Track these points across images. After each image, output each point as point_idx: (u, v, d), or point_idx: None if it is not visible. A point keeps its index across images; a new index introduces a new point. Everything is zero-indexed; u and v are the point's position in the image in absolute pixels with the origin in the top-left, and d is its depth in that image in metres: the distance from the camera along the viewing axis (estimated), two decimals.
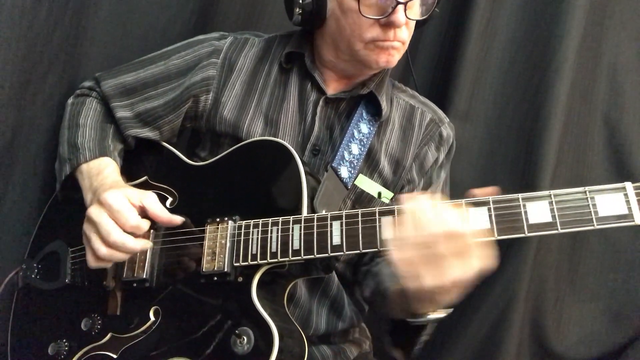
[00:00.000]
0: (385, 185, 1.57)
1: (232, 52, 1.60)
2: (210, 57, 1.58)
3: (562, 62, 2.24)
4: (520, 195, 1.08)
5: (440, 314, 1.21)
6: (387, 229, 1.14)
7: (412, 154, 1.59)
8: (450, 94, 2.32)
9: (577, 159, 2.36)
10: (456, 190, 1.69)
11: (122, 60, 1.66)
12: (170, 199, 1.45)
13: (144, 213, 1.32)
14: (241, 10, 2.04)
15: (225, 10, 1.99)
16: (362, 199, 1.54)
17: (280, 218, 1.27)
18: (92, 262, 1.31)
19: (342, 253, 1.19)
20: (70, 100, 1.63)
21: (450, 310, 1.21)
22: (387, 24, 1.39)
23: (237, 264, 1.27)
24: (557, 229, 1.06)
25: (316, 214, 1.25)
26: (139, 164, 1.59)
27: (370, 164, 1.56)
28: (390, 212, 1.17)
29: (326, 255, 1.21)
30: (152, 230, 1.37)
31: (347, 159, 1.48)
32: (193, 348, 1.26)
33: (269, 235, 1.26)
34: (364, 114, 1.54)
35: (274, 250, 1.25)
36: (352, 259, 1.61)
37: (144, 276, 1.36)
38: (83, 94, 1.63)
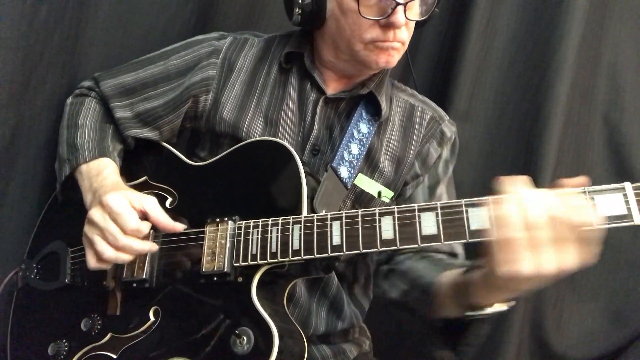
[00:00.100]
0: (386, 184, 1.57)
1: (231, 52, 1.60)
2: (210, 57, 1.58)
3: (562, 62, 2.24)
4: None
5: (503, 306, 1.17)
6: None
7: (414, 152, 1.59)
8: (450, 94, 2.32)
9: (577, 159, 2.36)
10: (456, 191, 1.70)
11: (121, 60, 1.66)
12: (170, 199, 1.45)
13: (144, 216, 1.33)
14: (241, 10, 2.04)
15: (225, 10, 1.99)
16: (362, 198, 1.54)
17: (280, 218, 1.26)
18: (92, 264, 1.31)
19: (342, 253, 1.19)
20: (69, 100, 1.63)
21: (513, 303, 1.17)
22: (387, 25, 1.39)
23: (237, 264, 1.27)
24: None
25: (316, 214, 1.25)
26: (138, 164, 1.58)
27: (370, 164, 1.55)
28: (390, 213, 1.16)
29: (326, 255, 1.21)
30: (151, 231, 1.37)
31: (346, 159, 1.48)
32: (193, 348, 1.26)
33: (269, 235, 1.26)
34: (364, 114, 1.54)
35: (274, 250, 1.24)
36: (352, 259, 1.61)
37: (144, 276, 1.35)
38: (82, 94, 1.63)
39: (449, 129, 1.64)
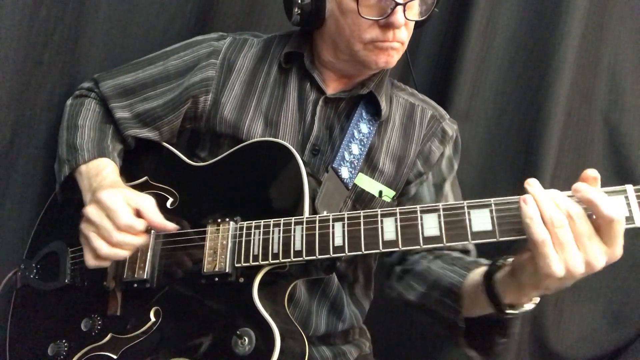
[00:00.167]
0: (387, 183, 1.57)
1: (231, 52, 1.59)
2: (209, 57, 1.57)
3: (562, 62, 2.24)
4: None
5: (531, 304, 1.17)
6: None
7: (415, 151, 1.59)
8: (450, 94, 2.32)
9: (577, 159, 2.36)
10: None
11: (121, 60, 1.66)
12: (170, 200, 1.45)
13: (140, 215, 1.32)
14: (241, 10, 2.03)
15: (225, 10, 1.99)
16: (362, 198, 1.54)
17: (282, 219, 1.26)
18: (90, 261, 1.31)
19: (344, 254, 1.19)
20: (69, 102, 1.63)
21: (538, 299, 1.16)
22: (386, 25, 1.39)
23: (239, 265, 1.27)
24: None
25: (318, 215, 1.24)
26: (139, 165, 1.58)
27: (370, 163, 1.55)
28: (392, 214, 1.16)
29: (328, 256, 1.20)
30: (152, 231, 1.37)
31: (347, 159, 1.48)
32: (194, 349, 1.26)
33: (271, 236, 1.26)
34: (364, 114, 1.54)
35: (275, 251, 1.24)
36: (353, 259, 1.61)
37: (145, 277, 1.35)
38: (82, 95, 1.63)
39: (450, 127, 1.64)
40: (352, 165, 1.48)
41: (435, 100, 1.72)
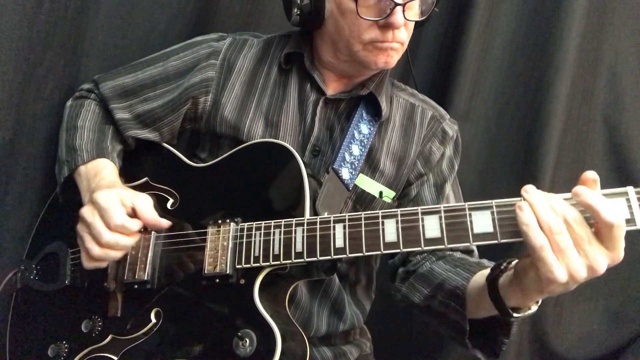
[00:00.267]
0: (388, 184, 1.57)
1: (231, 53, 1.59)
2: (209, 58, 1.57)
3: (562, 62, 2.25)
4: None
5: (535, 307, 1.17)
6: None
7: (415, 151, 1.59)
8: (450, 94, 2.32)
9: (577, 159, 2.36)
10: None
11: (122, 61, 1.66)
12: (171, 201, 1.45)
13: (136, 215, 1.32)
14: (241, 10, 2.03)
15: (225, 10, 1.99)
16: (363, 199, 1.54)
17: (283, 220, 1.26)
18: (86, 263, 1.31)
19: (345, 256, 1.19)
20: (68, 103, 1.63)
21: (540, 302, 1.17)
22: (386, 25, 1.38)
23: (239, 266, 1.27)
24: None
25: (319, 217, 1.24)
26: (139, 165, 1.58)
27: (371, 164, 1.55)
28: (394, 216, 1.16)
29: (329, 258, 1.20)
30: (153, 232, 1.37)
31: (348, 160, 1.48)
32: (194, 350, 1.26)
33: (272, 237, 1.26)
34: (364, 115, 1.54)
35: (276, 252, 1.24)
36: (354, 260, 1.61)
37: (145, 278, 1.35)
38: (82, 96, 1.62)
39: (451, 128, 1.64)
40: (353, 166, 1.48)
41: (435, 100, 1.72)
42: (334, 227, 1.21)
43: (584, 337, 2.37)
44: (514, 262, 1.15)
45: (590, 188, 1.03)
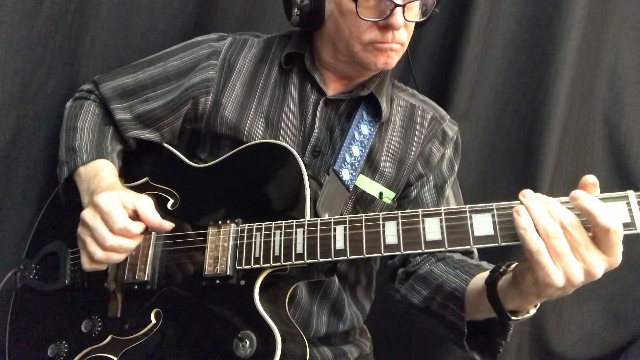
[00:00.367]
0: (387, 185, 1.57)
1: (231, 53, 1.59)
2: (210, 58, 1.57)
3: (562, 62, 2.24)
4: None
5: (533, 309, 1.17)
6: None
7: (416, 152, 1.59)
8: (450, 94, 2.32)
9: (577, 159, 2.36)
10: None
11: (122, 61, 1.66)
12: (171, 201, 1.45)
13: (138, 216, 1.31)
14: (241, 10, 2.03)
15: (226, 10, 1.99)
16: (363, 199, 1.54)
17: (284, 222, 1.26)
18: (86, 265, 1.31)
19: (345, 258, 1.18)
20: (68, 104, 1.63)
21: (538, 305, 1.17)
22: (385, 26, 1.38)
23: (240, 267, 1.27)
24: None
25: (319, 218, 1.24)
26: (139, 166, 1.58)
27: (371, 165, 1.55)
28: (394, 218, 1.16)
29: (330, 259, 1.20)
30: (153, 233, 1.37)
31: (348, 161, 1.47)
32: (194, 351, 1.26)
33: (272, 239, 1.25)
34: (365, 115, 1.54)
35: (277, 254, 1.24)
36: (355, 261, 1.60)
37: (145, 278, 1.35)
38: (81, 97, 1.62)
39: (451, 129, 1.64)
40: (353, 167, 1.48)
41: (435, 101, 1.72)
42: (334, 228, 1.20)
43: (584, 337, 2.37)
44: (513, 265, 1.15)
45: (590, 192, 1.04)
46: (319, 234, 1.21)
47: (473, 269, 1.35)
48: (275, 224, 1.27)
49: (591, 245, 1.01)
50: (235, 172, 1.43)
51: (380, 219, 1.17)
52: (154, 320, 1.33)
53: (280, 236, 1.25)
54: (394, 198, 1.58)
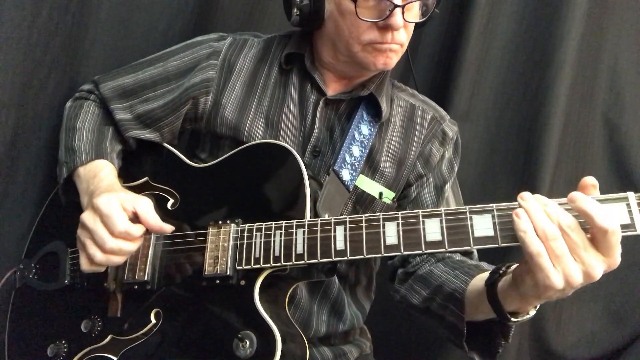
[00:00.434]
0: (387, 185, 1.57)
1: (231, 53, 1.59)
2: (210, 58, 1.57)
3: (562, 62, 2.24)
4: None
5: (533, 311, 1.17)
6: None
7: (415, 152, 1.59)
8: (450, 94, 2.32)
9: (577, 159, 2.36)
10: None
11: (122, 61, 1.66)
12: (171, 201, 1.45)
13: (138, 218, 1.31)
14: (242, 10, 2.03)
15: (226, 10, 1.99)
16: (363, 199, 1.54)
17: (284, 222, 1.26)
18: (86, 267, 1.30)
19: (345, 258, 1.18)
20: (68, 104, 1.63)
21: (537, 306, 1.17)
22: (385, 27, 1.38)
23: (240, 268, 1.27)
24: None
25: (320, 219, 1.24)
26: (139, 165, 1.58)
27: (371, 165, 1.55)
28: (395, 218, 1.16)
29: (330, 260, 1.20)
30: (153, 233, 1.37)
31: (348, 161, 1.47)
32: (194, 351, 1.26)
33: (272, 239, 1.25)
34: (365, 116, 1.54)
35: (277, 254, 1.24)
36: (355, 261, 1.60)
37: (145, 278, 1.35)
38: (81, 97, 1.62)
39: (451, 129, 1.64)
40: (353, 167, 1.48)
41: (435, 101, 1.72)
42: (334, 229, 1.21)
43: (584, 337, 2.37)
44: (512, 267, 1.15)
45: (589, 193, 1.04)
46: (319, 235, 1.21)
47: (473, 269, 1.35)
48: (275, 224, 1.27)
49: (590, 246, 1.01)
50: (235, 172, 1.43)
51: (381, 220, 1.17)
52: (153, 320, 1.33)
53: (281, 236, 1.25)
54: (393, 198, 1.58)
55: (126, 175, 1.52)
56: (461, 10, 2.33)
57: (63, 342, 1.41)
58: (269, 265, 1.24)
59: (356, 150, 1.49)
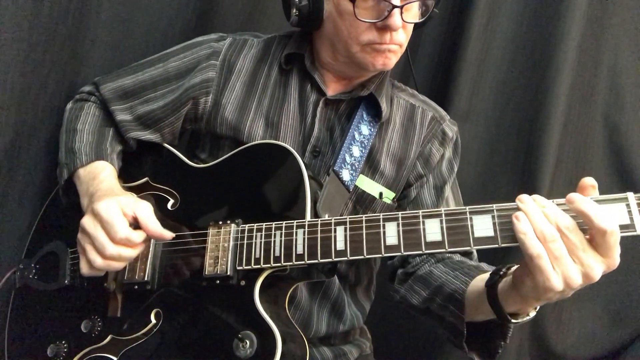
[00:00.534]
0: (388, 185, 1.57)
1: (231, 53, 1.59)
2: (209, 59, 1.57)
3: (562, 62, 2.25)
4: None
5: (533, 312, 1.17)
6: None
7: (415, 152, 1.59)
8: (450, 94, 2.32)
9: (577, 159, 2.36)
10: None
11: (123, 62, 1.66)
12: (171, 201, 1.45)
13: (137, 222, 1.30)
14: (242, 10, 2.03)
15: (226, 10, 1.99)
16: (363, 199, 1.54)
17: (284, 222, 1.26)
18: (86, 271, 1.30)
19: (345, 258, 1.18)
20: (68, 106, 1.63)
21: (537, 308, 1.17)
22: (383, 28, 1.38)
23: (240, 268, 1.27)
24: None
25: (320, 219, 1.24)
26: (140, 165, 1.58)
27: (371, 165, 1.55)
28: (395, 219, 1.16)
29: (330, 260, 1.20)
30: None
31: (348, 161, 1.47)
32: (194, 351, 1.26)
33: (272, 239, 1.25)
34: (364, 116, 1.54)
35: (277, 254, 1.24)
36: (355, 261, 1.60)
37: (145, 278, 1.35)
38: (82, 99, 1.62)
39: (450, 129, 1.64)
40: (353, 168, 1.48)
41: (435, 101, 1.72)
42: (335, 229, 1.20)
43: (584, 337, 2.37)
44: (513, 268, 1.15)
45: (589, 194, 1.04)
46: (319, 235, 1.21)
47: (473, 270, 1.35)
48: (275, 224, 1.27)
49: (588, 247, 1.01)
50: (235, 173, 1.43)
51: (381, 220, 1.17)
52: (153, 320, 1.33)
53: (281, 237, 1.25)
54: (393, 198, 1.58)
55: (126, 176, 1.52)
56: (461, 10, 2.33)
57: (63, 342, 1.41)
58: (269, 265, 1.24)
59: (356, 151, 1.49)
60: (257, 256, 1.25)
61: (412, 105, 1.64)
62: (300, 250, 1.22)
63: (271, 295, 1.28)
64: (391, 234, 1.15)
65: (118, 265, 1.28)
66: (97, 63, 1.74)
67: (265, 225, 1.28)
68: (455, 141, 1.66)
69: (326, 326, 1.56)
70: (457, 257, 1.49)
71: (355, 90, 1.56)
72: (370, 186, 1.54)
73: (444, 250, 1.12)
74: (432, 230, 1.12)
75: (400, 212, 1.17)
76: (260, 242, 1.26)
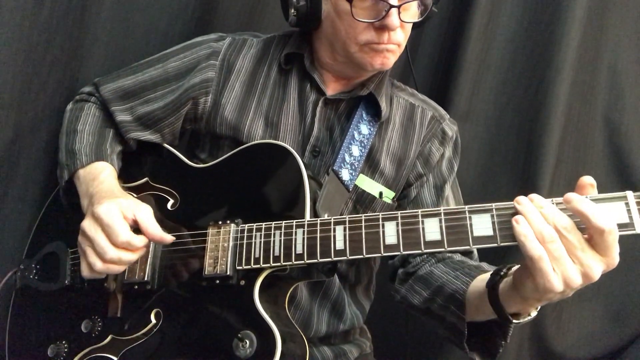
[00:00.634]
0: (387, 184, 1.57)
1: (230, 53, 1.59)
2: (209, 59, 1.57)
3: (562, 62, 2.24)
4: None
5: (534, 312, 1.17)
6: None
7: (415, 152, 1.59)
8: (450, 94, 2.32)
9: (577, 159, 2.36)
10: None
11: (123, 62, 1.66)
12: (171, 201, 1.45)
13: (138, 225, 1.30)
14: (242, 10, 2.03)
15: (226, 10, 1.99)
16: (363, 199, 1.54)
17: (283, 222, 1.26)
18: (86, 273, 1.30)
19: (345, 258, 1.18)
20: (69, 107, 1.63)
21: (538, 307, 1.17)
22: (381, 27, 1.38)
23: (240, 267, 1.27)
24: None
25: (319, 219, 1.24)
26: (139, 166, 1.58)
27: (371, 165, 1.55)
28: (394, 218, 1.16)
29: (329, 260, 1.20)
30: None
31: (348, 161, 1.47)
32: (194, 351, 1.26)
33: (272, 239, 1.25)
34: (364, 115, 1.54)
35: (277, 254, 1.24)
36: (355, 260, 1.60)
37: (145, 278, 1.35)
38: (82, 100, 1.62)
39: (450, 128, 1.64)
40: (353, 167, 1.48)
41: (435, 100, 1.72)
42: (334, 229, 1.20)
43: (584, 337, 2.37)
44: (513, 268, 1.15)
45: (587, 193, 1.04)
46: (318, 234, 1.21)
47: (473, 270, 1.34)
48: (275, 224, 1.27)
49: (587, 247, 1.01)
50: (235, 173, 1.43)
51: (380, 219, 1.17)
52: (154, 320, 1.33)
53: (280, 236, 1.25)
54: (393, 197, 1.58)
55: (126, 176, 1.52)
56: (461, 10, 2.33)
57: (63, 342, 1.41)
58: (268, 265, 1.24)
59: (356, 150, 1.49)
60: (257, 256, 1.26)
61: (412, 105, 1.64)
62: (299, 249, 1.22)
63: (271, 295, 1.28)
64: (390, 233, 1.15)
65: (118, 268, 1.28)
66: (97, 63, 1.74)
67: (265, 225, 1.28)
68: (455, 140, 1.66)
69: (326, 326, 1.56)
70: (458, 257, 1.49)
71: (354, 90, 1.56)
72: (370, 186, 1.54)
73: (443, 249, 1.11)
74: (432, 229, 1.12)
75: (399, 212, 1.17)
76: (260, 242, 1.26)
